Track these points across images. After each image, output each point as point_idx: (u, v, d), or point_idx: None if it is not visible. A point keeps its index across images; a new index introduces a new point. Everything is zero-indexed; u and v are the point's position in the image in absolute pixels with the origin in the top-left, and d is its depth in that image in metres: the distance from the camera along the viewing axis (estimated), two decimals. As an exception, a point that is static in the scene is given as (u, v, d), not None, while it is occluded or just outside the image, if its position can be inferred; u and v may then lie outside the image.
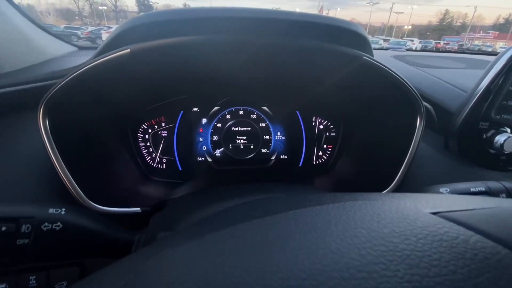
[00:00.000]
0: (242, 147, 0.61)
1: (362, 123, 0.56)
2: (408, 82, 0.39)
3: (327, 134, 0.63)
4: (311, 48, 0.35)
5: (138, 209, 0.41)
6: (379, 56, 0.70)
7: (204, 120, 0.59)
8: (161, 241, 0.18)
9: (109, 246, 0.26)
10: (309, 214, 0.17)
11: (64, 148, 0.36)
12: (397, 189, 0.42)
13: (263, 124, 0.61)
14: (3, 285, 0.42)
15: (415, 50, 1.15)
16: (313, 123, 0.63)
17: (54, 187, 0.36)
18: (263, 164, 0.62)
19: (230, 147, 0.61)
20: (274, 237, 0.15)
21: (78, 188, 0.36)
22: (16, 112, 0.42)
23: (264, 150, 0.62)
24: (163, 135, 0.58)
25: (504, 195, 0.29)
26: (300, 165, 0.63)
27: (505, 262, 0.12)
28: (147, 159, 0.58)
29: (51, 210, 0.23)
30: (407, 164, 0.42)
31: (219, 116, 0.60)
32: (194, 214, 0.28)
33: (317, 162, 0.64)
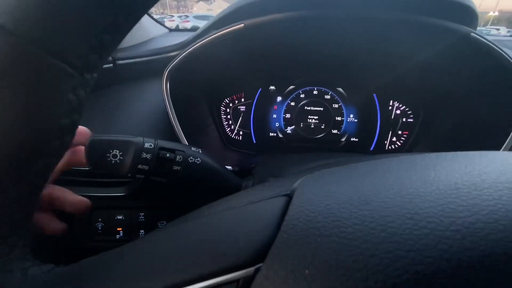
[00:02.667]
0: (312, 126, 0.63)
1: (447, 110, 0.52)
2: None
3: (404, 119, 0.61)
4: (407, 22, 0.35)
5: (230, 167, 0.48)
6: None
7: (279, 98, 0.63)
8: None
9: (223, 186, 0.31)
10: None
11: (176, 107, 0.43)
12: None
13: (336, 105, 0.62)
14: (121, 217, 0.52)
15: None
16: (390, 107, 0.61)
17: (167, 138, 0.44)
18: (332, 145, 0.63)
19: (301, 126, 0.63)
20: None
21: (184, 139, 0.43)
22: (137, 79, 0.52)
23: (335, 131, 0.63)
24: (242, 109, 0.63)
25: None
26: (371, 149, 0.63)
27: None
28: (227, 130, 0.64)
29: (193, 148, 0.29)
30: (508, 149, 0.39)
31: (293, 95, 0.63)
32: (297, 167, 0.32)
33: (390, 148, 0.63)
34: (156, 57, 0.54)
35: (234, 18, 0.42)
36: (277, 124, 0.64)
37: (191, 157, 0.28)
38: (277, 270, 0.11)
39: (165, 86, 0.41)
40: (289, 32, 0.43)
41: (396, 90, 0.59)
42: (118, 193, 0.44)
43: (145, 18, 0.72)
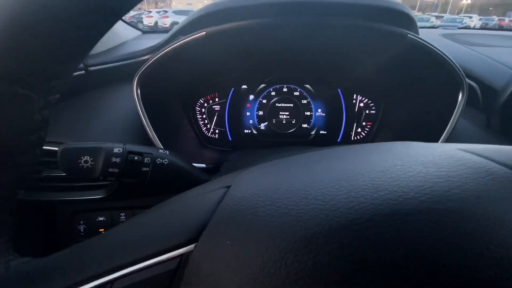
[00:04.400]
0: (284, 122, 0.67)
1: (402, 101, 0.58)
2: (451, 59, 0.41)
3: (367, 111, 0.66)
4: (357, 27, 0.39)
5: (204, 165, 0.51)
6: (426, 35, 0.70)
7: (251, 97, 0.66)
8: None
9: (192, 183, 0.35)
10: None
11: (149, 112, 0.46)
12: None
13: (305, 101, 0.66)
14: (102, 218, 0.54)
15: (474, 28, 1.07)
16: (354, 101, 0.66)
17: (141, 142, 0.46)
18: (303, 138, 0.68)
19: (274, 122, 0.67)
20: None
21: (158, 142, 0.45)
22: (109, 84, 0.53)
23: (305, 125, 0.68)
24: (216, 109, 0.66)
25: None
26: (338, 140, 0.68)
27: None
28: (203, 129, 0.67)
29: (161, 150, 0.32)
30: (445, 139, 0.44)
31: (265, 93, 0.66)
32: (256, 161, 0.35)
33: (355, 138, 0.68)
34: (127, 62, 0.56)
35: (198, 25, 0.45)
36: (251, 121, 0.67)
37: (159, 159, 0.31)
38: (208, 245, 0.15)
39: (136, 91, 0.43)
40: (252, 38, 0.46)
41: (358, 84, 0.64)
42: (98, 195, 0.46)
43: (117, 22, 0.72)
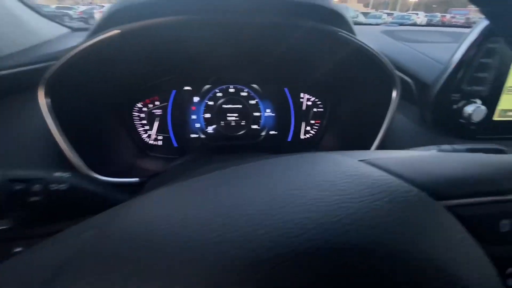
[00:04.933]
0: (233, 123, 0.64)
1: (346, 98, 0.58)
2: (382, 56, 0.41)
3: (315, 109, 0.66)
4: (282, 25, 0.37)
5: (137, 179, 0.46)
6: (368, 32, 0.72)
7: (196, 99, 0.62)
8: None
9: (106, 205, 0.30)
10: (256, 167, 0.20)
11: (65, 124, 0.39)
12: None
13: (253, 102, 0.64)
14: (20, 248, 0.47)
15: (420, 25, 1.14)
16: (301, 100, 0.65)
17: (58, 160, 0.40)
18: (253, 140, 0.65)
19: (222, 124, 0.64)
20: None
21: (78, 159, 0.39)
22: (17, 93, 0.45)
23: (255, 126, 0.65)
24: (158, 113, 0.61)
25: None
26: (289, 140, 0.67)
27: (411, 196, 0.16)
28: (144, 137, 0.62)
29: (57, 174, 0.27)
30: (382, 136, 0.45)
31: (210, 94, 0.62)
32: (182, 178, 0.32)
33: (305, 137, 0.67)
34: (41, 65, 0.48)
35: (114, 22, 0.39)
36: (197, 125, 0.63)
37: (54, 184, 0.26)
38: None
39: (41, 100, 0.37)
40: (175, 36, 0.42)
41: (304, 83, 0.63)
42: (4, 225, 0.39)
43: (34, 17, 0.63)
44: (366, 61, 0.42)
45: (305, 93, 0.65)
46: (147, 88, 0.59)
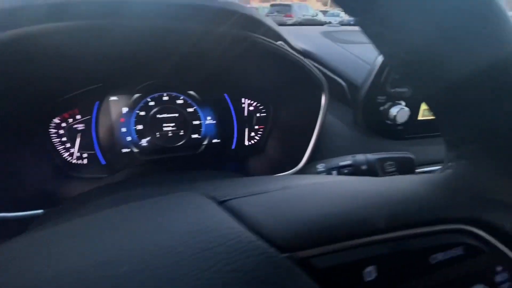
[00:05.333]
0: (170, 134, 0.59)
1: (284, 103, 0.57)
2: (304, 60, 0.39)
3: (258, 115, 0.64)
4: (196, 31, 0.34)
5: (40, 210, 0.39)
6: (306, 34, 0.71)
7: (125, 109, 0.56)
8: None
9: None
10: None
11: None
12: (308, 163, 0.45)
13: (191, 109, 0.60)
14: None
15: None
16: (243, 105, 0.62)
17: None
18: (194, 150, 0.61)
19: (158, 135, 0.59)
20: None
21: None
22: None
23: (195, 136, 0.61)
24: (80, 128, 0.54)
25: (365, 166, 0.32)
26: (233, 147, 0.64)
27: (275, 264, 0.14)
28: (65, 156, 0.54)
29: None
30: (315, 139, 0.44)
31: (141, 103, 0.57)
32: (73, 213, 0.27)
33: (249, 143, 0.65)
34: None
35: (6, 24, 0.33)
36: (129, 138, 0.57)
37: None
38: None
39: None
40: (75, 42, 0.37)
41: (244, 88, 0.60)
42: None
43: None
44: (291, 66, 0.40)
45: (246, 98, 0.62)
46: (64, 101, 0.52)
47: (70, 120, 0.53)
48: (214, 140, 0.63)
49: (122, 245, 0.16)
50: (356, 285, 0.15)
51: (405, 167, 0.30)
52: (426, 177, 0.19)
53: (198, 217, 0.18)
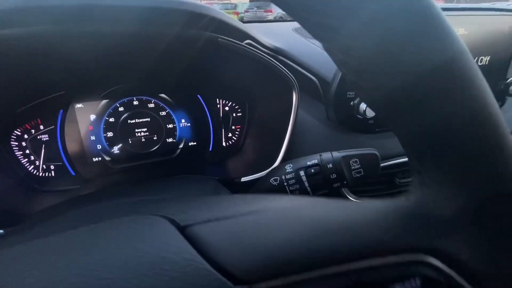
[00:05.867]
0: (143, 140, 0.57)
1: (258, 102, 0.56)
2: (271, 58, 0.39)
3: (234, 115, 0.63)
4: (161, 34, 0.33)
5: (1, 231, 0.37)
6: (278, 31, 0.70)
7: (92, 117, 0.53)
8: None
9: None
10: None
11: None
12: (284, 161, 0.45)
13: (163, 113, 0.58)
14: None
15: None
16: (218, 106, 0.61)
17: None
18: (169, 155, 0.60)
19: (130, 142, 0.57)
20: None
21: None
22: None
23: (170, 140, 0.60)
24: (44, 139, 0.51)
25: (331, 164, 0.33)
26: (210, 149, 0.63)
27: None
28: (30, 169, 0.51)
29: None
30: (289, 138, 0.44)
31: (110, 110, 0.54)
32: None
33: (227, 144, 0.64)
34: None
35: None
36: (99, 146, 0.55)
37: None
38: None
39: None
40: (31, 48, 0.34)
41: (217, 88, 0.59)
42: None
43: None
44: (259, 65, 0.39)
45: (221, 98, 0.61)
46: (24, 111, 0.49)
47: (33, 131, 0.50)
48: (191, 143, 0.61)
49: (74, 268, 0.16)
50: None
51: (370, 163, 0.30)
52: (390, 204, 0.18)
53: (157, 242, 0.18)
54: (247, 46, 0.37)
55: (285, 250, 0.16)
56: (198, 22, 0.33)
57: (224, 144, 0.63)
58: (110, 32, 0.35)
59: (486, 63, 0.52)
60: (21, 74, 0.42)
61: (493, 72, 0.54)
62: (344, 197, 0.48)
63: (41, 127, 0.51)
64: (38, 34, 0.33)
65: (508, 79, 0.54)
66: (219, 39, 0.34)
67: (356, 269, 0.16)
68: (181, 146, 0.60)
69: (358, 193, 0.50)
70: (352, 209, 0.18)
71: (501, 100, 0.57)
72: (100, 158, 0.55)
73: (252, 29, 0.54)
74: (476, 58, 0.52)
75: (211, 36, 0.34)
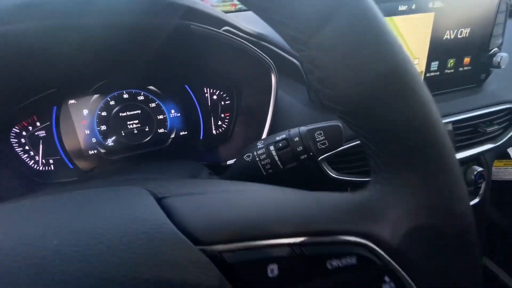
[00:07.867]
0: (136, 131, 0.60)
1: (244, 88, 0.58)
2: (248, 44, 0.40)
3: (223, 103, 0.64)
4: (139, 25, 0.35)
5: None
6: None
7: (85, 111, 0.56)
8: None
9: None
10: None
11: None
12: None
13: (153, 104, 0.60)
14: None
15: None
16: (206, 95, 0.63)
17: None
18: (162, 145, 0.62)
19: (123, 134, 0.59)
20: None
21: None
22: None
23: (161, 130, 0.62)
24: (42, 135, 0.54)
25: (297, 138, 0.34)
26: (201, 138, 0.65)
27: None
28: (31, 164, 0.54)
29: None
30: (270, 120, 0.45)
31: (101, 104, 0.57)
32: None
33: (217, 132, 0.66)
34: None
35: None
36: (93, 140, 0.58)
37: None
38: None
39: None
40: (19, 45, 0.36)
41: (204, 77, 0.60)
42: None
43: None
44: (237, 51, 0.41)
45: (209, 87, 0.62)
46: (21, 109, 0.52)
47: (30, 128, 0.53)
48: (182, 133, 0.63)
49: (56, 225, 0.18)
50: (261, 280, 0.17)
51: (334, 134, 0.32)
52: (343, 196, 0.21)
53: (134, 207, 0.20)
54: (222, 32, 0.38)
55: (241, 221, 0.19)
56: (170, 10, 0.34)
57: (214, 132, 0.65)
58: (93, 25, 0.37)
59: (466, 35, 0.53)
60: (14, 74, 0.44)
61: (475, 44, 0.54)
62: (324, 172, 0.50)
63: (38, 123, 0.53)
64: (23, 31, 0.35)
65: (490, 50, 0.54)
66: (191, 26, 0.36)
67: (299, 243, 0.18)
68: (172, 136, 0.63)
69: (339, 170, 0.52)
70: (308, 197, 0.21)
71: (485, 72, 0.57)
72: (95, 151, 0.58)
73: (236, 17, 0.55)
74: (456, 30, 0.52)
75: (183, 23, 0.35)
